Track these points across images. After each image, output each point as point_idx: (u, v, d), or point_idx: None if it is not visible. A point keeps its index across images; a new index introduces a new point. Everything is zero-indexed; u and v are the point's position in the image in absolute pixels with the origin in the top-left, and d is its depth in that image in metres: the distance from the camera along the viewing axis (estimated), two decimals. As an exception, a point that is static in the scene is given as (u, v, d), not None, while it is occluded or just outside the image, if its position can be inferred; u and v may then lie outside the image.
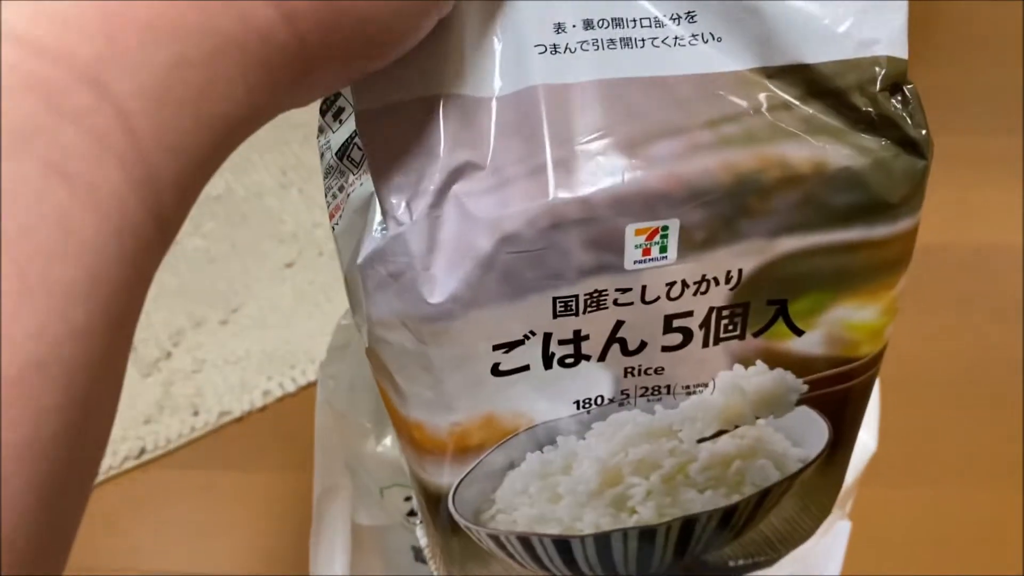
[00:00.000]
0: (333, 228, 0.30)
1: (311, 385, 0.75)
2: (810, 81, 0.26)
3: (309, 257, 0.82)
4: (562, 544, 0.34)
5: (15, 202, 0.14)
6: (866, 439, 0.46)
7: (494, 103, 0.25)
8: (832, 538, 0.48)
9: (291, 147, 0.89)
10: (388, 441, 0.46)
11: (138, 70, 0.16)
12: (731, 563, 0.38)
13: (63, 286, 0.15)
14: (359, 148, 0.30)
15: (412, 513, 0.48)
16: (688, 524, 0.34)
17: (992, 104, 1.04)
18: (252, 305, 0.79)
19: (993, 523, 0.70)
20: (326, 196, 0.31)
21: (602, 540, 0.34)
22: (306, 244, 0.83)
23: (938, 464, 0.73)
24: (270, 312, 0.79)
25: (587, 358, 0.28)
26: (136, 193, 0.16)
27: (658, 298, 0.27)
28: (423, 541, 0.39)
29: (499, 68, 0.26)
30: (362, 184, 0.29)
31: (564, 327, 0.27)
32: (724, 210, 0.26)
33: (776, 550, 0.38)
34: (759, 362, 0.30)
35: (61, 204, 0.15)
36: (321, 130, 0.32)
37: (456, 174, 0.25)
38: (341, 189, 0.30)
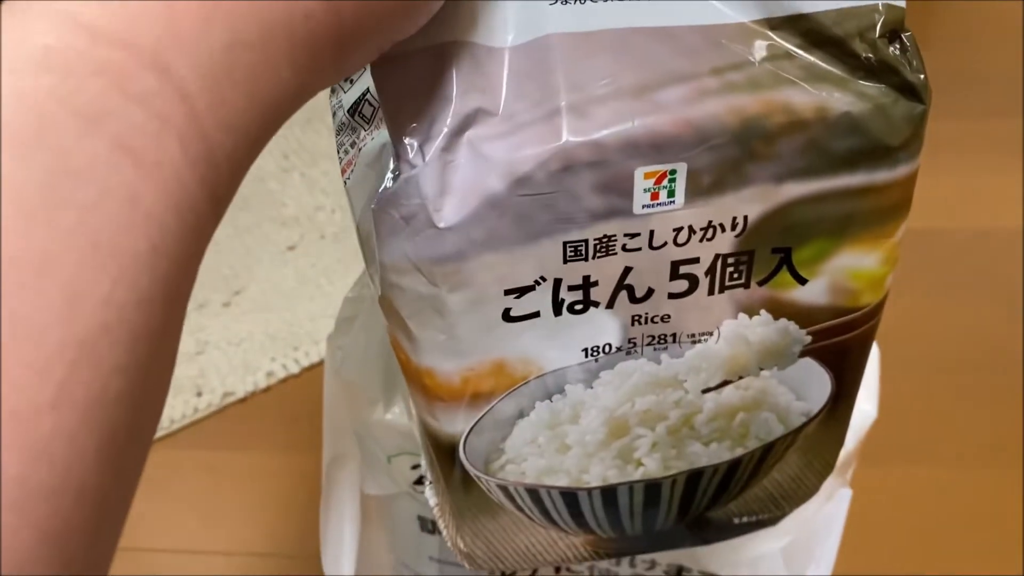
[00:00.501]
0: (345, 183, 0.31)
1: (314, 366, 0.76)
2: (811, 30, 0.26)
3: (311, 240, 0.82)
4: (569, 496, 0.34)
5: (89, 177, 0.16)
6: (867, 406, 0.47)
7: (507, 53, 0.26)
8: (834, 505, 0.48)
9: (293, 131, 0.90)
10: (396, 409, 0.47)
11: (197, 53, 0.17)
12: (735, 520, 0.39)
13: (130, 256, 0.16)
14: (371, 104, 0.31)
15: (419, 482, 0.48)
16: (693, 478, 0.35)
17: (993, 88, 1.05)
18: (254, 288, 0.80)
19: (991, 503, 0.70)
20: (338, 152, 0.31)
21: (609, 494, 0.35)
22: (308, 227, 0.83)
23: (938, 444, 0.74)
24: (272, 294, 0.79)
25: (596, 305, 0.29)
26: (194, 170, 0.18)
27: (665, 243, 0.28)
28: (432, 501, 0.40)
29: (512, 20, 0.26)
30: (373, 138, 0.30)
31: (574, 272, 0.28)
32: (731, 154, 0.26)
33: (780, 507, 0.39)
34: (763, 312, 0.31)
35: (129, 180, 0.16)
36: (332, 90, 0.32)
37: (469, 120, 0.26)
38: (353, 145, 0.31)
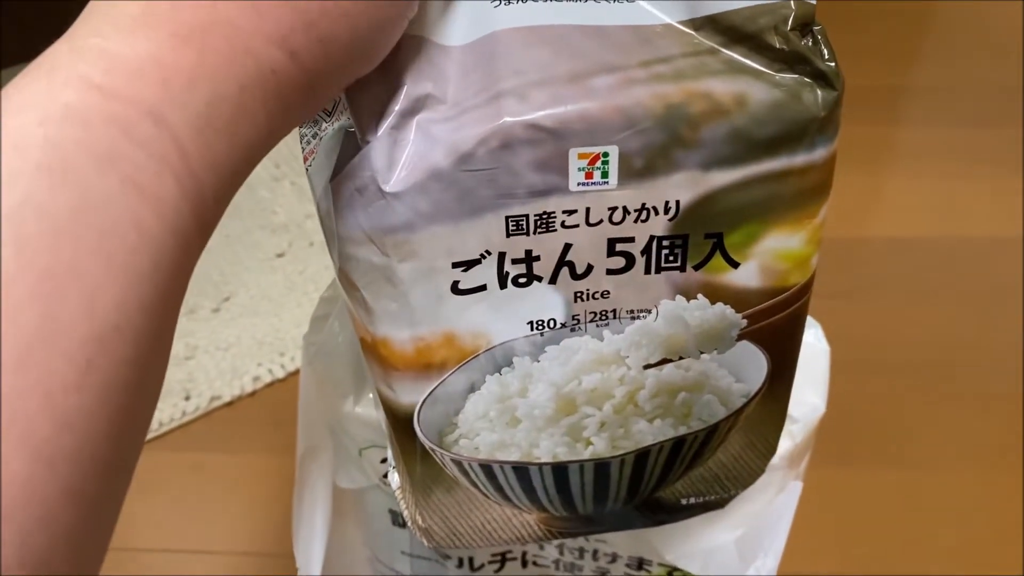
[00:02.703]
0: (307, 169, 0.33)
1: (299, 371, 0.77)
2: (730, 28, 0.29)
3: (300, 247, 0.85)
4: (521, 471, 0.36)
5: (105, 207, 0.20)
6: (815, 401, 0.48)
7: (457, 50, 0.29)
8: (785, 497, 0.50)
9: (284, 140, 0.91)
10: (366, 402, 0.48)
11: (186, 106, 0.21)
12: (683, 501, 0.41)
13: (136, 271, 0.20)
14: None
15: (388, 475, 0.50)
16: (641, 458, 0.37)
17: (989, 97, 1.08)
18: (243, 294, 0.82)
19: (960, 504, 0.72)
20: (301, 143, 0.34)
21: (559, 471, 0.37)
22: (297, 235, 0.86)
23: (907, 447, 0.76)
24: (261, 300, 0.81)
25: (539, 279, 0.31)
26: (187, 201, 0.21)
27: (601, 221, 0.30)
28: (395, 484, 0.42)
29: (462, 19, 0.29)
30: (333, 127, 0.32)
31: (516, 246, 0.30)
32: (657, 139, 0.29)
33: (726, 489, 0.41)
34: (701, 296, 0.33)
35: (135, 209, 0.20)
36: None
37: (419, 103, 0.28)
38: (315, 136, 0.33)
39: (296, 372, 0.78)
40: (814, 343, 0.49)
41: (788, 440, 0.46)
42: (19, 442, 0.18)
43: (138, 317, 0.20)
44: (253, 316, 0.81)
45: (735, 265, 0.32)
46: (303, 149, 0.34)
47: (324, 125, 0.33)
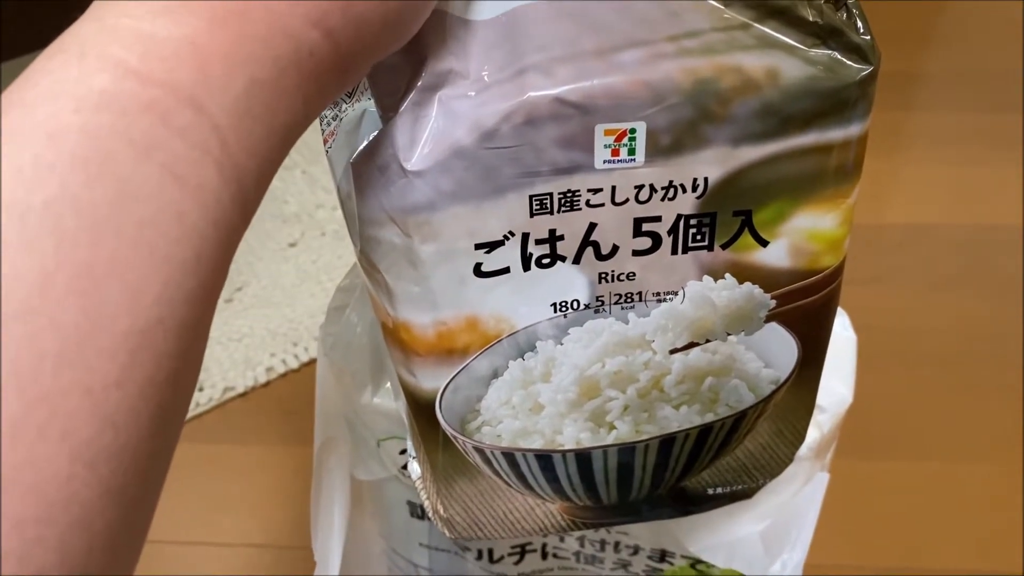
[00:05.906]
0: (327, 151, 0.32)
1: (313, 361, 0.77)
2: (762, 2, 0.28)
3: (312, 237, 0.84)
4: (544, 460, 0.36)
5: (145, 198, 0.19)
6: (843, 391, 0.48)
7: (481, 25, 0.28)
8: (811, 488, 0.49)
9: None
10: (384, 392, 0.48)
11: (224, 92, 0.20)
12: (710, 491, 0.40)
13: (179, 263, 0.19)
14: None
15: (408, 467, 0.49)
16: (665, 444, 0.36)
17: (995, 84, 1.07)
18: (256, 284, 0.81)
19: (983, 497, 0.71)
20: (320, 124, 0.33)
21: (583, 458, 0.36)
22: (309, 225, 0.85)
23: (931, 438, 0.75)
24: (273, 290, 0.81)
25: (563, 259, 0.30)
26: (228, 189, 0.21)
27: (627, 200, 0.29)
28: (415, 473, 0.41)
29: None
30: (354, 109, 0.31)
31: (540, 226, 0.29)
32: (686, 114, 0.28)
33: (753, 478, 0.40)
34: (728, 276, 0.32)
35: (176, 199, 0.19)
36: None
37: (442, 78, 0.27)
38: (335, 117, 0.32)
39: (310, 362, 0.77)
40: (841, 331, 0.48)
41: (816, 430, 0.45)
42: (59, 442, 0.17)
43: (181, 310, 0.19)
44: (266, 306, 0.80)
45: (764, 243, 0.31)
46: (323, 131, 0.33)
47: (344, 106, 0.32)
